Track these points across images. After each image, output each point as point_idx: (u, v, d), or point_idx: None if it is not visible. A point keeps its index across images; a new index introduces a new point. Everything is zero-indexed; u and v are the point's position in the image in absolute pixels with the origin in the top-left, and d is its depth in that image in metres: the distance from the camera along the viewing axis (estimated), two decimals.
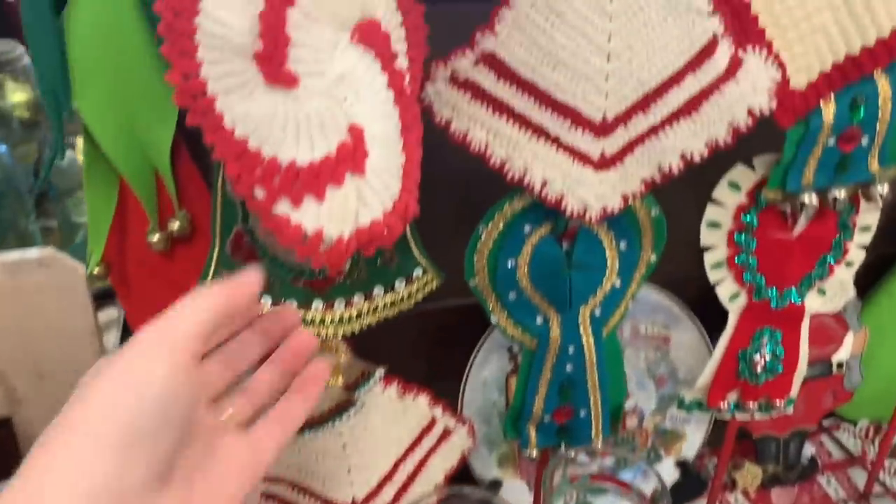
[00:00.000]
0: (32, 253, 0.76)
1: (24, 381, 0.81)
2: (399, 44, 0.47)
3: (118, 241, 0.61)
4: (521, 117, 0.51)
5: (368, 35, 0.45)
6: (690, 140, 0.51)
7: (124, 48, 0.50)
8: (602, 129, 0.51)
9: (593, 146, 0.51)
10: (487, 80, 0.50)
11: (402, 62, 0.47)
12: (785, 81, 0.53)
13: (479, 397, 0.73)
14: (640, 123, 0.51)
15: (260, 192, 0.43)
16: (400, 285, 0.53)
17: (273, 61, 0.42)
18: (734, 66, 0.50)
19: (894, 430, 0.79)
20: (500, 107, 0.50)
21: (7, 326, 0.78)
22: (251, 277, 0.39)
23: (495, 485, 0.74)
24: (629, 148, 0.52)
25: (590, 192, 0.52)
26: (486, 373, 0.71)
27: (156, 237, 0.56)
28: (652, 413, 0.76)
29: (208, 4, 0.42)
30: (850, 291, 0.77)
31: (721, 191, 0.60)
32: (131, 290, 0.63)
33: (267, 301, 0.51)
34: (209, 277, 0.51)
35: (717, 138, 0.51)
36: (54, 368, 0.82)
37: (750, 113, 0.51)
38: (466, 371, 0.73)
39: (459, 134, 0.51)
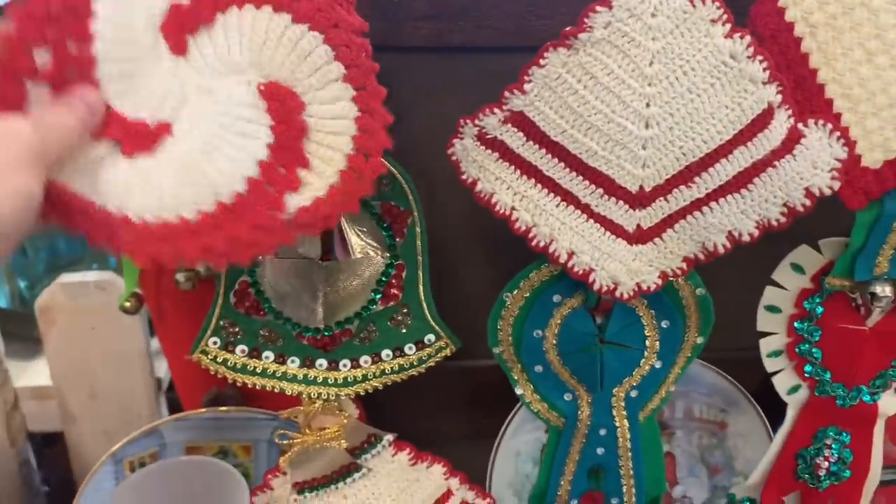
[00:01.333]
0: (91, 276, 0.79)
1: (77, 399, 0.84)
2: None
3: (155, 275, 0.61)
4: (549, 181, 0.47)
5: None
6: (739, 218, 0.46)
7: None
8: (638, 199, 0.46)
9: (628, 218, 0.47)
10: (515, 140, 0.47)
11: None
12: (855, 158, 0.47)
13: (511, 468, 0.68)
14: (681, 196, 0.46)
15: None
16: (410, 350, 0.51)
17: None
18: (792, 139, 0.45)
19: None
20: (528, 169, 0.47)
21: (65, 346, 0.80)
22: None
23: None
24: (669, 222, 0.47)
25: (621, 268, 0.47)
26: (520, 442, 0.67)
27: (182, 277, 0.56)
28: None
29: None
30: None
31: (782, 272, 0.54)
32: (165, 322, 0.64)
33: (269, 355, 0.50)
34: (209, 330, 0.50)
35: (770, 218, 0.46)
36: (106, 389, 0.84)
37: (808, 193, 0.45)
38: (498, 438, 0.69)
39: (485, 195, 0.48)
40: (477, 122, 0.47)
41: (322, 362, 0.50)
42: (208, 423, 0.62)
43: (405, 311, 0.50)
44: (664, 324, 0.53)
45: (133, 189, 0.39)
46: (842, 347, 0.54)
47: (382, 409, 0.61)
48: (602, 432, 0.56)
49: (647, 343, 0.53)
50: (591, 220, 0.47)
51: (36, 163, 0.34)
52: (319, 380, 0.50)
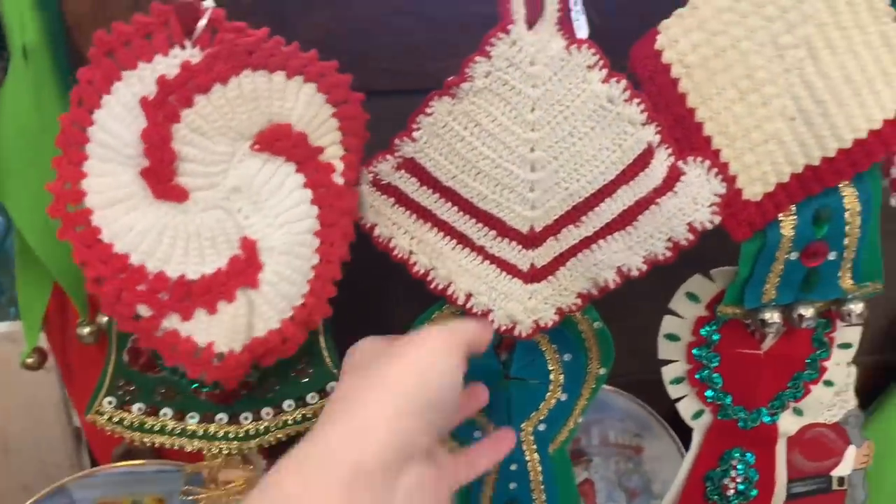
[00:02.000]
0: (1, 327, 0.76)
1: None
2: (329, 135, 0.46)
3: (60, 326, 0.60)
4: (445, 225, 0.48)
5: (274, 140, 0.43)
6: (626, 254, 0.47)
7: (48, 150, 0.50)
8: (530, 240, 0.47)
9: (521, 258, 0.48)
10: (409, 185, 0.47)
11: (333, 153, 0.46)
12: (737, 192, 0.48)
13: None
14: (571, 235, 0.47)
15: (144, 310, 0.42)
16: (312, 399, 0.50)
17: (160, 177, 0.41)
18: (672, 177, 0.46)
19: None
20: (423, 213, 0.48)
21: None
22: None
23: None
24: (561, 260, 0.48)
25: (518, 306, 0.48)
26: None
27: (86, 330, 0.55)
28: None
29: (102, 115, 0.41)
30: (851, 402, 0.71)
31: (678, 301, 0.55)
32: (72, 376, 0.63)
33: (168, 412, 0.49)
34: (103, 389, 0.49)
35: (656, 253, 0.47)
36: (21, 443, 0.81)
37: (691, 228, 0.46)
38: None
39: (384, 240, 0.49)
40: (371, 168, 0.48)
41: (222, 416, 0.49)
42: (119, 477, 0.60)
43: (306, 360, 0.50)
44: (566, 357, 0.54)
45: None
46: (740, 372, 0.56)
47: None
48: (513, 467, 0.56)
49: (552, 377, 0.54)
50: (487, 262, 0.48)
51: (455, 349, 0.39)
52: (220, 434, 0.49)
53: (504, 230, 0.47)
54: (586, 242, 0.48)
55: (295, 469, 0.32)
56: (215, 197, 0.42)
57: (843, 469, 0.72)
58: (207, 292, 0.42)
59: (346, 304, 0.51)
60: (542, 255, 0.48)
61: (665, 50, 0.47)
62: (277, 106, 0.43)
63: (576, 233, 0.47)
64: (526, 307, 0.48)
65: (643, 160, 0.46)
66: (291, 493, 0.30)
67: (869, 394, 0.79)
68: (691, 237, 0.47)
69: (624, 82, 0.45)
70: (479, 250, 0.48)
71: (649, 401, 0.70)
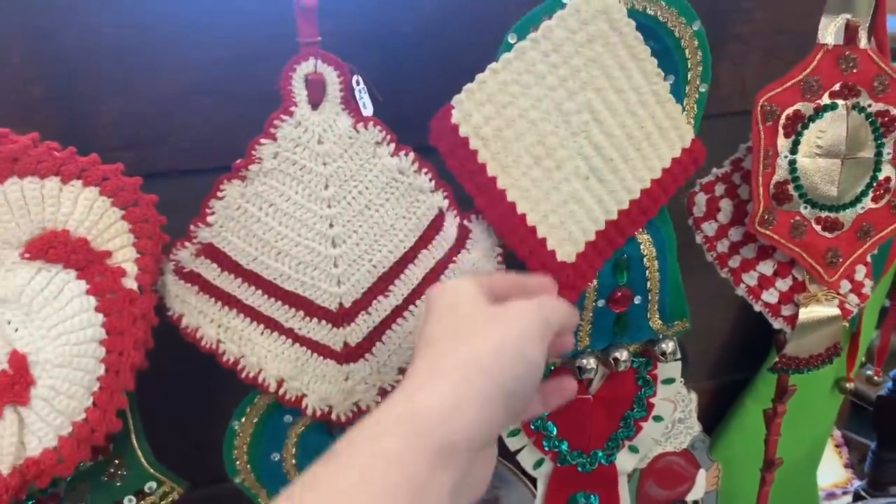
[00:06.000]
0: None
1: None
2: (117, 238, 0.44)
3: None
4: (250, 310, 0.47)
5: (47, 248, 0.41)
6: None
7: None
8: (340, 317, 0.47)
9: (333, 336, 0.47)
10: (210, 271, 0.46)
11: (124, 256, 0.44)
12: (550, 253, 0.49)
13: None
14: (382, 306, 0.47)
15: None
16: (130, 502, 0.48)
17: None
18: (462, 236, 0.48)
19: None
20: (228, 299, 0.47)
21: None
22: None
23: None
24: (377, 335, 0.48)
25: (333, 388, 0.47)
26: None
27: None
28: None
29: None
30: (695, 427, 0.74)
31: None
32: None
33: None
34: None
35: None
36: None
37: None
38: None
39: (191, 330, 0.47)
40: (172, 256, 0.46)
41: None
42: None
43: (117, 462, 0.47)
44: None
45: None
46: (572, 418, 0.57)
47: None
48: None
49: None
50: (297, 344, 0.47)
51: (544, 338, 0.39)
52: None
53: (312, 310, 0.47)
54: (399, 311, 0.48)
55: (396, 425, 0.33)
56: None
57: (696, 493, 0.75)
58: None
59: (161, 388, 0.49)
60: (355, 332, 0.47)
61: (461, 124, 0.47)
62: (51, 213, 0.42)
63: (386, 303, 0.47)
64: (342, 389, 0.48)
65: (437, 224, 0.47)
66: (393, 448, 0.32)
67: (711, 416, 0.83)
68: None
69: (412, 154, 0.46)
70: (289, 333, 0.47)
71: (503, 453, 0.70)
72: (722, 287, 0.57)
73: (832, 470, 1.08)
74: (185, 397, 0.57)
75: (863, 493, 1.01)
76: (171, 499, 0.49)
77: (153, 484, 0.48)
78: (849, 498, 1.05)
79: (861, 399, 1.07)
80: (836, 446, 1.11)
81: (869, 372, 0.91)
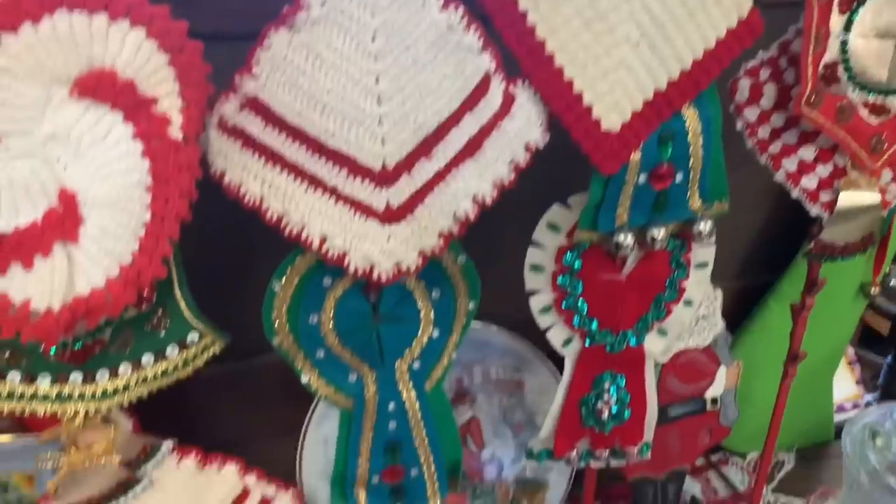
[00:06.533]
0: None
1: None
2: (163, 85, 0.43)
3: None
4: (294, 167, 0.47)
5: (95, 86, 0.41)
6: (477, 181, 0.48)
7: None
8: (383, 178, 0.47)
9: (376, 197, 0.47)
10: (255, 126, 0.46)
11: (169, 104, 0.43)
12: (595, 123, 0.49)
13: (321, 457, 0.68)
14: (425, 169, 0.47)
15: None
16: (172, 352, 0.49)
17: None
18: (508, 101, 0.47)
19: (767, 464, 0.76)
20: (272, 156, 0.46)
21: None
22: None
23: None
24: (419, 197, 0.48)
25: (375, 248, 0.48)
26: (327, 429, 0.67)
27: None
28: (511, 462, 0.72)
29: None
30: (719, 324, 0.74)
31: (540, 232, 0.56)
32: None
33: (15, 377, 0.47)
34: None
35: (502, 178, 0.48)
36: None
37: (527, 148, 0.47)
38: (304, 429, 0.69)
39: (234, 186, 0.47)
40: (216, 110, 0.46)
41: (77, 376, 0.47)
42: None
43: (161, 312, 0.48)
44: (435, 293, 0.54)
45: None
46: (603, 297, 0.58)
47: (181, 414, 0.59)
48: (391, 407, 0.56)
49: (422, 314, 0.54)
50: (340, 203, 0.47)
51: None
52: (75, 395, 0.47)
53: (356, 169, 0.46)
54: (441, 175, 0.47)
55: None
56: (29, 145, 0.40)
57: (716, 389, 0.77)
58: (20, 246, 0.39)
59: (201, 255, 0.50)
60: (397, 194, 0.47)
61: None
62: (99, 50, 0.41)
63: (428, 167, 0.47)
64: (383, 249, 0.48)
65: (483, 87, 0.46)
66: None
67: (735, 317, 0.84)
68: (527, 156, 0.48)
69: (461, 9, 0.44)
70: (332, 191, 0.47)
71: (527, 337, 0.71)
72: (750, 187, 0.56)
73: (845, 386, 1.10)
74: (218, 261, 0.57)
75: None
76: (210, 352, 0.51)
77: (195, 336, 0.50)
78: (859, 410, 1.07)
79: (879, 312, 1.08)
80: (849, 363, 1.13)
81: (893, 282, 0.91)
